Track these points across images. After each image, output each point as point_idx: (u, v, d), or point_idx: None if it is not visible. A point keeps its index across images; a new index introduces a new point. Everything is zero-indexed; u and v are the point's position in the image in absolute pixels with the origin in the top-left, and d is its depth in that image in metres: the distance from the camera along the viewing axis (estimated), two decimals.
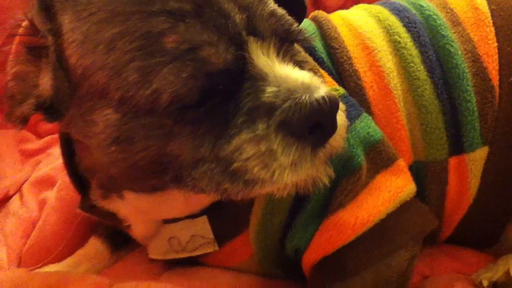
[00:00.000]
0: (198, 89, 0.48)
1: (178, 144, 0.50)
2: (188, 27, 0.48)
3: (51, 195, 0.91)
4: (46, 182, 0.99)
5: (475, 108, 0.72)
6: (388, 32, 0.76)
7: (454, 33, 0.75)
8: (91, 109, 0.52)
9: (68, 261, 0.79)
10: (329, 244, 0.64)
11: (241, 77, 0.51)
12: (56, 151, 1.10)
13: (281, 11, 0.56)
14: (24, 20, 0.55)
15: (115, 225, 0.75)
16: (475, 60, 0.73)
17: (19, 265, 0.83)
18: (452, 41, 0.74)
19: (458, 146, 0.73)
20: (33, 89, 0.54)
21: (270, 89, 0.50)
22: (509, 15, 0.76)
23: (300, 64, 0.57)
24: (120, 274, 0.75)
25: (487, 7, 0.77)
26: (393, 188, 0.66)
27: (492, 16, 0.76)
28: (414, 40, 0.75)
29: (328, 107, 0.49)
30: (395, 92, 0.73)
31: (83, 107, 0.53)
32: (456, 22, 0.76)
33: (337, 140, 0.53)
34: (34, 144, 1.19)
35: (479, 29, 0.75)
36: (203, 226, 0.68)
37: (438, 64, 0.74)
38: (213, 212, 0.68)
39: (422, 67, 0.73)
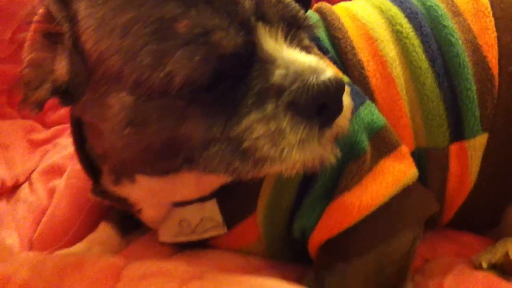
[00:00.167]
0: (210, 72, 0.49)
1: (190, 125, 0.52)
2: (200, 12, 0.49)
3: (60, 183, 0.91)
4: (55, 171, 0.99)
5: (475, 96, 0.73)
6: (391, 22, 0.78)
7: (454, 23, 0.76)
8: (106, 93, 0.54)
9: (79, 246, 0.80)
10: (335, 226, 0.65)
11: (251, 60, 0.52)
12: (63, 141, 1.11)
13: None
14: (35, 9, 0.56)
15: (126, 209, 0.76)
16: (475, 49, 0.75)
17: (30, 250, 0.83)
18: (453, 31, 0.75)
19: (458, 133, 0.74)
20: (49, 74, 0.55)
21: (278, 72, 0.51)
22: (509, 6, 0.77)
23: (307, 49, 0.58)
24: (131, 257, 0.74)
25: None
26: (396, 172, 0.67)
27: (492, 7, 0.77)
28: (416, 30, 0.76)
29: (334, 88, 0.50)
30: (398, 80, 0.74)
31: (98, 91, 0.54)
32: (456, 13, 0.77)
33: (343, 121, 0.55)
34: (42, 134, 1.19)
35: (479, 20, 0.76)
36: (212, 209, 0.69)
37: (439, 53, 0.75)
38: (222, 196, 0.69)
39: (423, 56, 0.75)
